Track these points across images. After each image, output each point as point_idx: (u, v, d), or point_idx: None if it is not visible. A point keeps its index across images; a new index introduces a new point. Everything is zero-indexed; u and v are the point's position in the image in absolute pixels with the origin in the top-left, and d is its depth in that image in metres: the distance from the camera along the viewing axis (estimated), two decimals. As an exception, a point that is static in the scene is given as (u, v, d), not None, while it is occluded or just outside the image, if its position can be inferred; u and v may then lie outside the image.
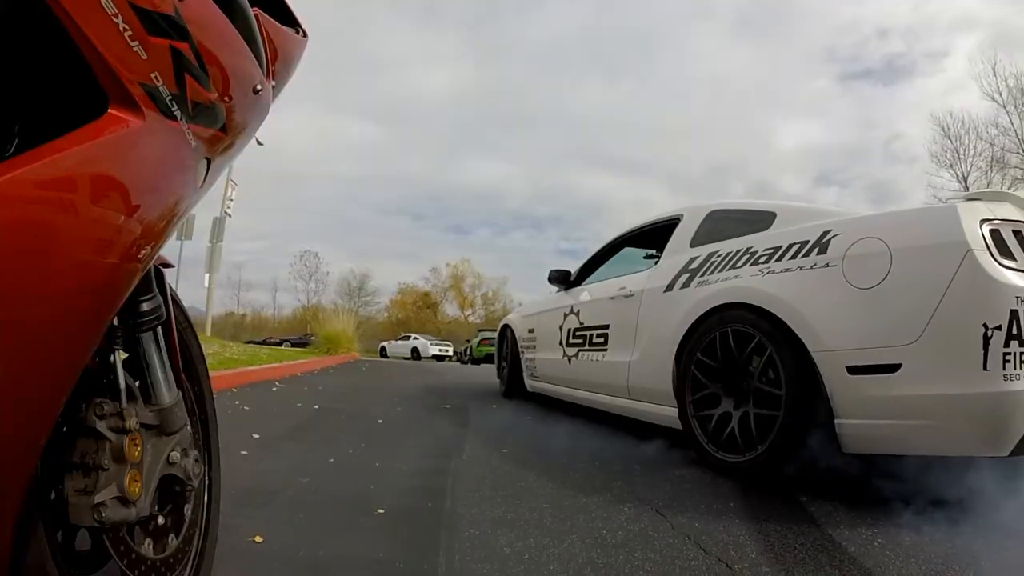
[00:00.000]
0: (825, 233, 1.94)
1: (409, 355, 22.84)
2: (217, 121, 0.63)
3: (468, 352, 22.46)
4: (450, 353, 24.68)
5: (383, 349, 23.73)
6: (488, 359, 18.05)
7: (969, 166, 20.13)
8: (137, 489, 0.60)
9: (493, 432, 2.86)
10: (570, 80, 61.69)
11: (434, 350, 24.08)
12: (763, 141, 56.65)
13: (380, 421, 3.04)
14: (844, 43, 48.54)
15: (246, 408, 3.18)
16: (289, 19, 0.84)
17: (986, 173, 19.69)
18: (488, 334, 22.28)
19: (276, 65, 0.76)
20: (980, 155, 19.87)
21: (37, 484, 0.55)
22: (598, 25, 58.89)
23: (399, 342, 25.03)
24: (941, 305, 1.58)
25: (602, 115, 60.74)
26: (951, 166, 20.40)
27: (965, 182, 20.00)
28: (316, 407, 3.44)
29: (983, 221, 1.62)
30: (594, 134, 61.92)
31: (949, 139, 20.43)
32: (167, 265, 0.82)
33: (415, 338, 25.43)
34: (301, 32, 0.87)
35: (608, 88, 60.67)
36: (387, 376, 6.69)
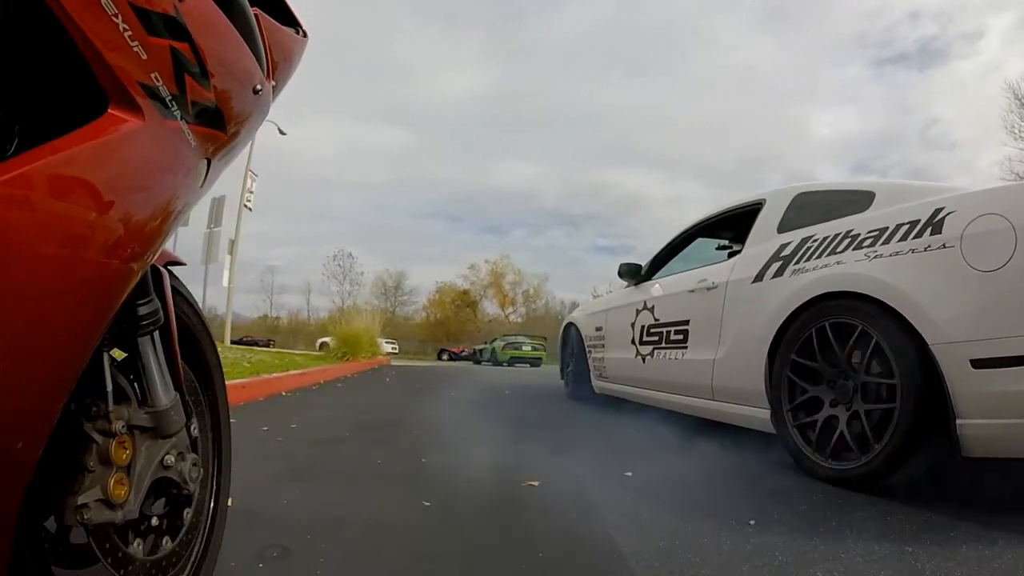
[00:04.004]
0: (938, 211, 1.75)
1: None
2: (217, 121, 0.63)
3: (491, 354, 22.46)
4: (397, 352, 26.28)
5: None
6: (513, 362, 19.18)
7: (1046, 137, 18.26)
8: (123, 492, 0.61)
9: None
10: (597, 78, 61.66)
11: (387, 348, 26.18)
12: (797, 131, 55.62)
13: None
14: (875, 28, 47.57)
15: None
16: (289, 19, 0.85)
17: (1066, 145, 17.76)
18: (512, 339, 22.91)
19: (276, 65, 0.77)
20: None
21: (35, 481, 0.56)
22: (622, 21, 58.98)
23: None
24: None
25: (631, 112, 60.68)
26: (1028, 136, 18.52)
27: (1044, 154, 18.31)
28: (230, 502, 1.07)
29: None
30: (625, 131, 61.76)
31: (1026, 108, 18.51)
32: (176, 263, 0.83)
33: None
34: (301, 32, 0.88)
35: (636, 85, 60.59)
36: (415, 391, 4.87)
